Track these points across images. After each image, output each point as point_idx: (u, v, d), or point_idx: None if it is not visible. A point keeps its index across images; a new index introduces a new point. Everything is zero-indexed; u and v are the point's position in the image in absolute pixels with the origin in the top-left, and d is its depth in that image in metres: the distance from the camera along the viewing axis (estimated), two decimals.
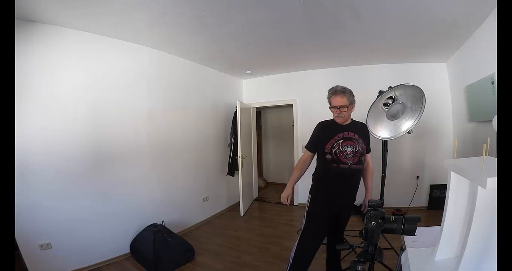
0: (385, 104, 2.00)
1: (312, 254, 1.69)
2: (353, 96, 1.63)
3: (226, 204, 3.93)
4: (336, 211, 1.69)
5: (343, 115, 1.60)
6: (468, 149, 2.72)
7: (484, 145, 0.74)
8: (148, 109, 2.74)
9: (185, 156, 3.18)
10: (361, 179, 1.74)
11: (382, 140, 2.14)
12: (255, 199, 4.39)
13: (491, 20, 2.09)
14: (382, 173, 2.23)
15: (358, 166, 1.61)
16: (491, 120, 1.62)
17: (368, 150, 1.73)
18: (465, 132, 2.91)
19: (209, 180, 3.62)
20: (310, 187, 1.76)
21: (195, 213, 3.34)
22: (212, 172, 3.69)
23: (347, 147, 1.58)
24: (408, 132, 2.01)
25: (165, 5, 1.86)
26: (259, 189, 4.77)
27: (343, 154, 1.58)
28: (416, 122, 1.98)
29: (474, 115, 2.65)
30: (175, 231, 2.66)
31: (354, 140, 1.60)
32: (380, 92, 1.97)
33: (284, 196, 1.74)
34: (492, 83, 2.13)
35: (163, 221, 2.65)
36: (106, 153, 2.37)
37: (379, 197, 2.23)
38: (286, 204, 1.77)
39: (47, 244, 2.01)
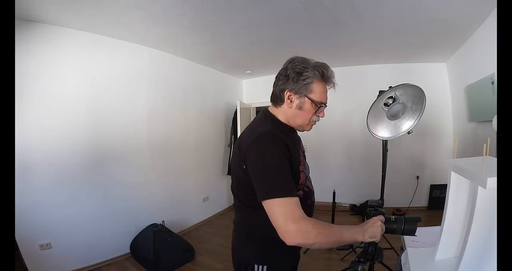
0: (386, 104, 1.99)
1: None
2: None
3: (226, 204, 3.93)
4: None
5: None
6: (468, 149, 2.72)
7: (484, 145, 0.74)
8: (148, 109, 2.74)
9: (185, 156, 3.18)
10: None
11: (382, 140, 2.13)
12: None
13: (491, 20, 2.09)
14: (382, 173, 2.22)
15: None
16: (491, 120, 1.62)
17: None
18: (465, 132, 2.91)
19: (209, 180, 3.62)
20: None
21: (195, 213, 3.34)
22: (212, 172, 3.69)
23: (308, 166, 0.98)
24: (408, 132, 2.00)
25: (165, 5, 1.86)
26: None
27: (309, 179, 0.95)
28: (416, 122, 1.97)
29: (474, 115, 2.65)
30: (175, 231, 2.66)
31: None
32: (381, 92, 1.97)
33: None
34: (492, 83, 2.13)
35: (163, 221, 2.65)
36: (106, 153, 2.37)
37: (379, 197, 2.23)
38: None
39: (47, 244, 2.01)
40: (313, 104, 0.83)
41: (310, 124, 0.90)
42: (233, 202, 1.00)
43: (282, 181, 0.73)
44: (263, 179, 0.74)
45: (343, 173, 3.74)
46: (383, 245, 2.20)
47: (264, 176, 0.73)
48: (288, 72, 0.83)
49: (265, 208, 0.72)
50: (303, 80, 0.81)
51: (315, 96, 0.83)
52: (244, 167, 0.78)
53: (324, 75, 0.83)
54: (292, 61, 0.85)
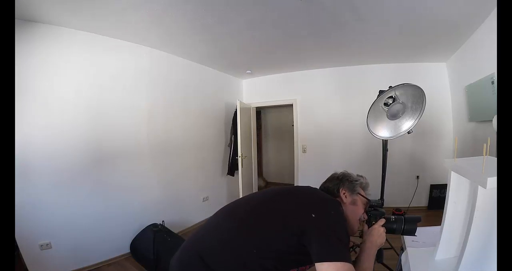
0: (386, 104, 1.99)
1: None
2: None
3: (226, 204, 3.93)
4: None
5: None
6: (468, 149, 2.72)
7: (484, 145, 0.74)
8: (148, 109, 2.73)
9: (185, 155, 3.18)
10: None
11: (382, 140, 2.13)
12: None
13: (491, 20, 2.09)
14: (382, 173, 2.22)
15: None
16: (491, 120, 1.62)
17: None
18: (465, 132, 2.91)
19: (209, 180, 3.61)
20: None
21: (195, 213, 3.33)
22: (212, 172, 3.69)
23: None
24: (408, 132, 2.00)
25: (165, 5, 1.86)
26: (259, 189, 4.76)
27: None
28: (416, 122, 1.97)
29: (474, 115, 2.65)
30: (175, 231, 2.66)
31: None
32: (381, 92, 1.97)
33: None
34: (492, 83, 2.13)
35: (163, 221, 2.65)
36: (106, 153, 2.37)
37: (379, 197, 2.23)
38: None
39: (47, 244, 2.01)
40: (363, 201, 1.01)
41: (358, 222, 0.99)
42: (232, 201, 1.08)
43: (348, 248, 0.82)
44: (337, 239, 0.76)
45: None
46: (383, 245, 2.20)
47: (339, 238, 0.77)
48: (340, 177, 1.05)
49: (321, 269, 0.72)
50: (356, 181, 1.02)
51: (365, 193, 1.04)
52: (313, 216, 0.80)
53: (367, 184, 1.07)
54: (337, 173, 1.10)
